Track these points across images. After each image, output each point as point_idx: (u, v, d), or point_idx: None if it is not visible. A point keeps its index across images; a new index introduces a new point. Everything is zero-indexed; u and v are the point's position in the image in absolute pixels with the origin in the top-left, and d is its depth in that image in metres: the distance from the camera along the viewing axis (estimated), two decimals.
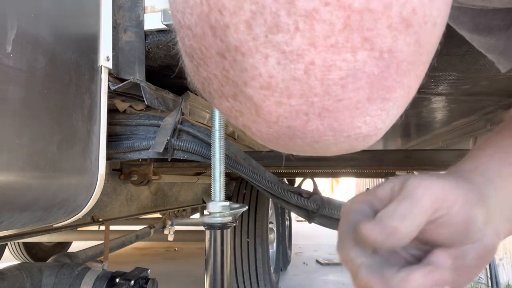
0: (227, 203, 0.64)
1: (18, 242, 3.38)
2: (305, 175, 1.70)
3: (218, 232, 0.63)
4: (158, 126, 0.91)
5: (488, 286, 3.87)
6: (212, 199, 0.66)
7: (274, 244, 3.37)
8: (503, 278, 3.98)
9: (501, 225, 0.35)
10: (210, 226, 0.63)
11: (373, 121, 0.21)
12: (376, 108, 0.21)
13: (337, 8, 0.17)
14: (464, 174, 0.37)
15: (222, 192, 0.66)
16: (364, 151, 2.76)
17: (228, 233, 0.64)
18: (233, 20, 0.18)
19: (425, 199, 0.30)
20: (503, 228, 0.36)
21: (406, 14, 0.18)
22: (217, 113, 0.67)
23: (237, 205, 0.62)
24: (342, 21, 0.17)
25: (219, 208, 0.65)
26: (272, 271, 2.99)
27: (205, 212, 0.70)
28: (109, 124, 0.81)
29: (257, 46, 0.18)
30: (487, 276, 3.86)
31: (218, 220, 0.62)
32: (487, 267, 3.62)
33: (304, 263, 4.81)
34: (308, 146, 0.23)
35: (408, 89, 0.21)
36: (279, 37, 0.18)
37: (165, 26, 0.79)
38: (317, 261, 4.87)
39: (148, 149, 0.89)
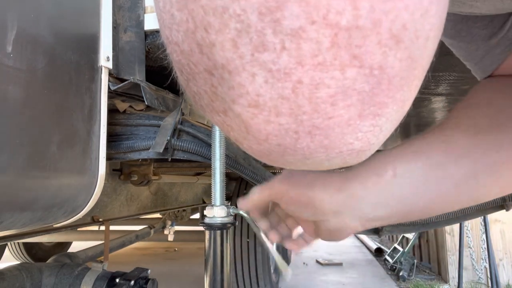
0: (225, 208, 0.64)
1: (18, 242, 3.38)
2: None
3: (218, 232, 0.63)
4: (158, 126, 0.91)
5: (488, 286, 3.86)
6: (212, 202, 0.66)
7: (274, 244, 3.36)
8: (503, 278, 3.98)
9: (358, 217, 0.48)
10: (210, 227, 0.63)
11: (365, 136, 0.21)
12: (369, 124, 0.20)
13: (324, 26, 0.17)
14: (349, 173, 0.49)
15: (223, 195, 0.66)
16: None
17: (228, 233, 0.64)
18: (218, 38, 0.18)
19: (269, 188, 0.53)
20: (364, 218, 0.48)
21: (396, 31, 0.18)
22: None
23: (236, 210, 0.62)
24: (329, 39, 0.17)
25: (218, 211, 0.65)
26: (272, 271, 2.98)
27: (205, 213, 0.71)
28: (109, 124, 0.81)
29: (243, 65, 0.18)
30: (487, 276, 3.86)
31: (217, 220, 0.62)
32: (487, 267, 3.62)
33: (304, 263, 4.81)
34: (299, 162, 0.23)
35: (402, 103, 0.21)
36: (266, 55, 0.18)
37: None
38: (317, 261, 4.87)
39: (148, 149, 0.89)
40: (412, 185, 0.46)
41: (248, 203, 0.56)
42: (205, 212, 0.68)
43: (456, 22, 0.46)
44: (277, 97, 0.19)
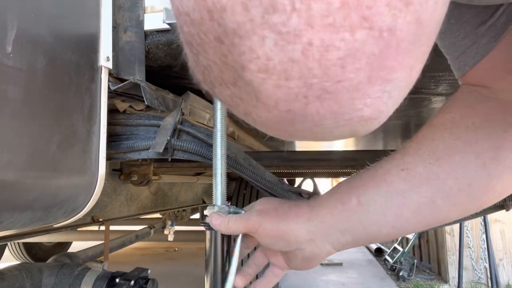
0: (226, 208, 0.64)
1: (18, 242, 3.38)
2: (305, 175, 1.70)
3: (219, 232, 0.63)
4: (158, 126, 0.91)
5: (488, 286, 3.86)
6: (214, 202, 0.66)
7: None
8: (503, 278, 3.97)
9: (330, 242, 0.52)
10: (211, 227, 0.63)
11: (375, 103, 0.21)
12: (377, 89, 0.20)
13: None
14: (315, 202, 0.54)
15: (224, 195, 0.66)
16: (364, 151, 2.75)
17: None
18: (229, 2, 0.18)
19: (243, 220, 0.55)
20: (336, 243, 0.52)
21: None
22: (219, 114, 0.67)
23: (236, 209, 0.63)
24: (340, 0, 0.17)
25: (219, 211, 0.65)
26: None
27: (206, 212, 0.71)
28: (109, 124, 0.81)
29: (254, 28, 0.18)
30: (487, 276, 3.86)
31: None
32: (487, 267, 3.62)
33: None
34: (308, 130, 0.23)
35: (410, 70, 0.21)
36: (276, 17, 0.17)
37: (166, 26, 0.79)
38: None
39: (148, 149, 0.89)
40: (376, 213, 0.50)
41: (224, 228, 0.58)
42: (206, 212, 0.68)
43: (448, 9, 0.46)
44: (287, 60, 0.18)
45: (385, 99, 0.21)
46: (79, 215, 0.75)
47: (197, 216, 4.09)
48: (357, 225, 0.51)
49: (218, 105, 0.67)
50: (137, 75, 0.82)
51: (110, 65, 0.76)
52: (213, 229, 0.61)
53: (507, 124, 0.46)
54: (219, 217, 0.58)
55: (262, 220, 0.54)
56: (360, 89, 0.20)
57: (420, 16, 0.18)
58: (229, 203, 0.70)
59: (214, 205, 0.64)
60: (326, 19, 0.17)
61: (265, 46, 0.18)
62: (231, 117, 1.74)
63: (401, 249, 4.57)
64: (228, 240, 0.63)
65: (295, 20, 0.17)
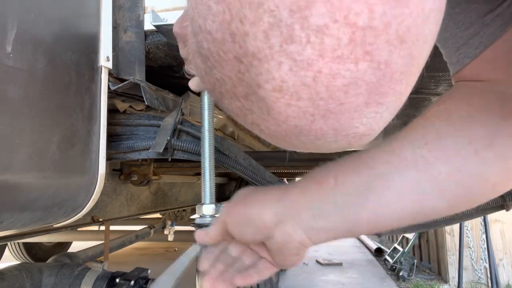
0: (214, 207, 0.64)
1: (18, 242, 3.38)
2: (305, 175, 1.69)
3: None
4: (158, 126, 0.91)
5: (488, 286, 3.86)
6: (202, 200, 0.66)
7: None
8: (503, 278, 3.97)
9: (302, 227, 0.46)
10: (201, 226, 0.63)
11: (369, 122, 0.24)
12: (372, 111, 0.23)
13: (344, 25, 0.20)
14: (289, 185, 0.50)
15: (213, 193, 0.66)
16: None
17: None
18: (252, 29, 0.21)
19: (218, 220, 0.52)
20: (308, 229, 0.46)
21: (402, 32, 0.20)
22: (206, 113, 0.67)
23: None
24: (348, 37, 0.20)
25: (207, 210, 0.65)
26: None
27: (196, 212, 0.70)
28: (109, 124, 0.81)
29: (272, 54, 0.21)
30: (487, 276, 3.86)
31: (207, 219, 0.62)
32: (487, 267, 3.62)
33: (304, 263, 4.81)
34: (310, 143, 0.25)
35: (400, 95, 0.24)
36: (292, 47, 0.20)
37: (166, 26, 0.79)
38: (317, 261, 4.87)
39: (148, 149, 0.89)
40: (354, 195, 0.45)
41: (207, 238, 0.55)
42: (196, 211, 0.68)
43: None
44: (299, 83, 0.21)
45: (378, 119, 0.24)
46: (79, 215, 0.75)
47: (197, 216, 4.09)
48: (332, 208, 0.45)
49: (206, 104, 0.67)
50: (137, 75, 0.82)
51: (110, 65, 0.76)
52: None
53: (505, 113, 0.44)
54: (201, 232, 0.56)
55: (230, 208, 0.51)
56: (358, 110, 0.23)
57: (412, 52, 0.22)
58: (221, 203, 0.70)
59: (202, 204, 0.64)
60: (335, 52, 0.20)
61: (281, 70, 0.21)
62: (231, 117, 1.74)
63: (401, 249, 4.57)
64: None
65: (309, 51, 0.20)
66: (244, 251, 0.54)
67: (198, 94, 1.19)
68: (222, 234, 0.53)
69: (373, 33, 0.20)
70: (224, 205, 0.56)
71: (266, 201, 0.49)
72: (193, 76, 0.62)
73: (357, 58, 0.20)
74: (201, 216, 0.65)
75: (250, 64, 0.22)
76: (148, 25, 0.84)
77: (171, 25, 0.75)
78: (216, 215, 0.68)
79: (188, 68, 0.61)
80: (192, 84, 0.61)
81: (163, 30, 0.79)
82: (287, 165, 1.59)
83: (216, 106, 0.69)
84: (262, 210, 0.48)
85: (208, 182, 0.66)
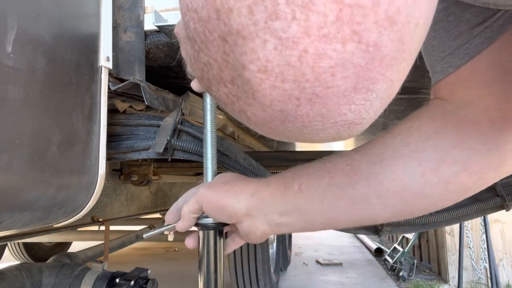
0: None
1: (18, 242, 3.38)
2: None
3: (211, 232, 0.63)
4: (158, 126, 0.91)
5: (488, 286, 3.86)
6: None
7: (274, 244, 3.37)
8: (503, 278, 3.98)
9: (267, 221, 0.56)
10: (204, 227, 0.63)
11: (358, 109, 0.23)
12: (361, 97, 0.22)
13: (331, 1, 0.19)
14: (263, 181, 0.58)
15: None
16: None
17: (222, 233, 0.64)
18: (236, 4, 0.20)
19: (195, 199, 0.58)
20: (272, 223, 0.55)
21: (391, 13, 0.19)
22: (209, 114, 0.67)
23: None
24: (335, 14, 0.19)
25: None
26: (272, 271, 2.98)
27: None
28: (109, 124, 0.81)
29: (257, 31, 0.20)
30: (487, 276, 3.86)
31: (210, 220, 0.62)
32: (487, 267, 3.62)
33: (304, 263, 4.81)
34: (297, 131, 0.24)
35: (391, 83, 0.23)
36: (277, 24, 0.19)
37: (167, 26, 0.79)
38: (317, 261, 4.87)
39: (148, 149, 0.89)
40: (313, 200, 0.53)
41: (182, 218, 0.62)
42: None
43: (449, 4, 0.47)
44: (284, 63, 0.20)
45: (368, 107, 0.23)
46: (79, 215, 0.75)
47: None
48: (295, 209, 0.54)
49: (208, 105, 0.67)
50: (137, 75, 0.82)
51: (110, 65, 0.76)
52: (206, 229, 0.62)
53: (457, 139, 0.48)
54: (175, 216, 0.65)
55: (208, 192, 0.58)
56: (346, 95, 0.22)
57: (402, 36, 0.21)
58: None
59: None
60: (322, 30, 0.19)
61: (266, 49, 0.20)
62: (232, 118, 1.74)
63: (401, 249, 4.57)
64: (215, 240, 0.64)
65: (294, 28, 0.19)
66: None
67: (198, 94, 1.19)
68: (196, 209, 0.60)
69: (361, 11, 0.19)
70: (201, 185, 0.62)
71: (241, 194, 0.56)
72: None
73: (344, 38, 0.19)
74: (203, 217, 0.65)
75: (234, 43, 0.21)
76: (148, 25, 0.84)
77: (174, 25, 0.76)
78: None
79: (189, 69, 0.62)
80: (194, 84, 0.62)
81: (166, 30, 0.79)
82: (287, 165, 1.59)
83: (217, 107, 0.69)
84: (236, 202, 0.56)
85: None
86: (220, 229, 0.63)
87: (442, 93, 0.52)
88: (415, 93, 1.60)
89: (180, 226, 0.63)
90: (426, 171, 0.48)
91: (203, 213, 0.61)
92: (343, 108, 0.22)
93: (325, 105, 0.22)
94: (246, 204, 0.55)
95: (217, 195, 0.57)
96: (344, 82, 0.21)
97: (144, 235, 0.67)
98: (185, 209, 0.60)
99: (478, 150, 0.47)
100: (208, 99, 0.67)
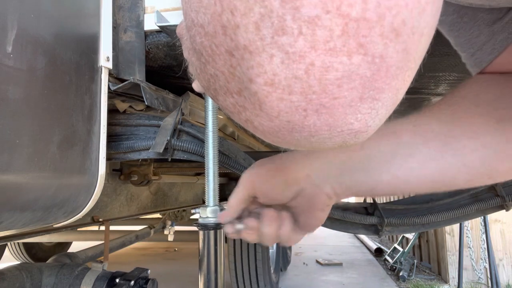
0: (218, 208, 0.64)
1: (18, 242, 3.38)
2: None
3: (212, 232, 0.63)
4: (158, 126, 0.91)
5: (488, 286, 3.86)
6: (206, 202, 0.66)
7: (274, 244, 3.37)
8: (503, 278, 3.98)
9: (328, 180, 0.50)
10: (204, 227, 0.63)
11: (364, 118, 0.23)
12: (367, 107, 0.23)
13: (337, 16, 0.19)
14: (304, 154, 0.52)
15: (216, 195, 0.66)
16: None
17: (222, 233, 0.64)
18: (243, 21, 0.20)
19: (241, 184, 0.52)
20: (334, 182, 0.50)
21: (397, 25, 0.20)
22: (210, 114, 0.67)
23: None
24: (341, 28, 0.19)
25: (211, 212, 0.66)
26: (272, 271, 2.98)
27: (192, 211, 0.71)
28: (109, 124, 0.81)
29: (264, 46, 0.20)
30: (487, 276, 3.86)
31: (211, 220, 0.62)
32: (487, 267, 3.62)
33: (304, 263, 4.81)
34: (304, 140, 0.25)
35: (396, 91, 0.23)
36: (284, 39, 0.20)
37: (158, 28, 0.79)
38: (317, 261, 4.87)
39: (148, 149, 0.89)
40: (378, 158, 0.48)
41: (230, 213, 0.55)
42: (200, 213, 0.68)
43: (460, 7, 0.46)
44: (291, 76, 0.21)
45: (373, 115, 0.23)
46: (79, 215, 0.75)
47: (197, 216, 4.09)
48: (358, 166, 0.49)
49: (210, 105, 0.67)
50: (137, 75, 0.82)
51: (110, 65, 0.76)
52: (206, 229, 0.62)
53: None
54: (223, 214, 0.55)
55: (252, 170, 0.53)
56: (352, 105, 0.22)
57: (407, 46, 0.21)
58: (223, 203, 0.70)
59: (206, 206, 0.64)
60: (328, 44, 0.20)
61: (273, 63, 0.21)
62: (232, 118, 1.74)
63: (401, 249, 4.57)
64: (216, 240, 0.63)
65: (301, 42, 0.20)
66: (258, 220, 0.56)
67: (198, 94, 1.19)
68: (245, 200, 0.54)
69: (367, 25, 0.19)
70: (246, 172, 0.55)
71: (296, 156, 0.52)
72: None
73: (350, 51, 0.20)
74: (204, 218, 0.65)
75: (241, 57, 0.21)
76: (148, 25, 0.84)
77: (176, 25, 0.76)
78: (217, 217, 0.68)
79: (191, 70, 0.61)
80: (196, 85, 0.61)
81: (167, 30, 0.79)
82: None
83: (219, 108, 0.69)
84: (293, 163, 0.51)
85: (212, 184, 0.66)
86: (220, 228, 0.63)
87: (491, 72, 0.49)
88: (415, 93, 1.61)
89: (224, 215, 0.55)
90: (507, 128, 0.45)
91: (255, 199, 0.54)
92: (349, 118, 0.23)
93: (332, 115, 0.22)
94: (304, 163, 0.50)
95: (268, 168, 0.52)
96: (350, 93, 0.21)
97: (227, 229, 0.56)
98: (232, 201, 0.54)
99: None
100: (209, 100, 0.67)
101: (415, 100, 1.68)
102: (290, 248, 4.53)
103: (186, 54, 0.57)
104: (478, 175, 0.47)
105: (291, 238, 0.55)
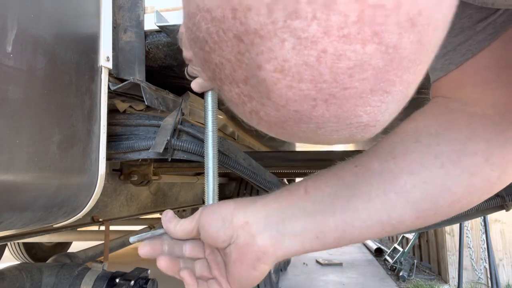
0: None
1: (18, 242, 3.38)
2: (305, 175, 1.70)
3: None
4: (158, 126, 0.91)
5: (488, 286, 3.86)
6: (206, 203, 0.65)
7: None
8: (503, 278, 3.98)
9: (268, 228, 0.46)
10: None
11: (373, 111, 0.22)
12: (377, 99, 0.22)
13: (353, 1, 0.18)
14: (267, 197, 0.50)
15: (216, 195, 0.65)
16: (364, 151, 2.75)
17: None
18: (255, 3, 0.19)
19: (193, 221, 0.52)
20: (274, 231, 0.46)
21: (413, 14, 0.19)
22: (210, 114, 0.67)
23: None
24: (356, 14, 0.18)
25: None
26: (272, 271, 2.98)
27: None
28: (109, 124, 0.81)
29: (275, 30, 0.19)
30: (487, 276, 3.86)
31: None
32: (487, 267, 3.62)
33: (304, 263, 4.81)
34: (311, 132, 0.24)
35: (407, 85, 0.22)
36: (297, 23, 0.19)
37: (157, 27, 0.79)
38: (317, 261, 4.87)
39: (148, 149, 0.89)
40: (323, 202, 0.46)
41: (172, 226, 0.54)
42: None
43: None
44: (302, 63, 0.20)
45: (383, 109, 0.23)
46: (79, 215, 0.75)
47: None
48: (301, 213, 0.46)
49: (210, 105, 0.66)
50: (137, 75, 0.82)
51: (110, 65, 0.76)
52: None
53: (471, 133, 0.45)
54: (170, 218, 0.55)
55: (207, 207, 0.52)
56: (363, 97, 0.21)
57: (422, 38, 0.20)
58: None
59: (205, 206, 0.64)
60: (342, 31, 0.19)
61: (284, 49, 0.20)
62: (232, 118, 1.74)
63: (401, 249, 4.57)
64: None
65: (314, 27, 0.19)
66: (199, 258, 0.54)
67: (198, 94, 1.19)
68: (191, 231, 0.52)
69: (383, 12, 0.18)
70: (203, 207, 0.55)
71: (241, 203, 0.50)
72: (195, 77, 0.62)
73: (364, 39, 0.19)
74: None
75: (251, 42, 0.20)
76: (148, 25, 0.84)
77: (175, 25, 0.76)
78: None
79: (191, 69, 0.61)
80: (195, 85, 0.60)
81: (167, 30, 0.79)
82: (287, 165, 1.59)
83: (219, 107, 0.69)
84: (235, 209, 0.49)
85: (211, 184, 0.65)
86: None
87: (444, 90, 0.50)
88: (415, 93, 1.60)
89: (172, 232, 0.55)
90: (445, 162, 0.44)
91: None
92: (358, 110, 0.22)
93: (341, 106, 0.22)
94: (244, 211, 0.48)
95: (216, 206, 0.51)
96: (361, 84, 0.21)
97: (131, 239, 0.57)
98: (180, 226, 0.53)
99: (495, 141, 0.44)
100: (209, 99, 0.67)
101: (416, 100, 1.68)
102: None
103: (186, 51, 0.57)
104: (423, 211, 0.46)
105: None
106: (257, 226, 0.47)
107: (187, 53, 0.56)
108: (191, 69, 0.61)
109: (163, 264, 0.52)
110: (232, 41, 0.21)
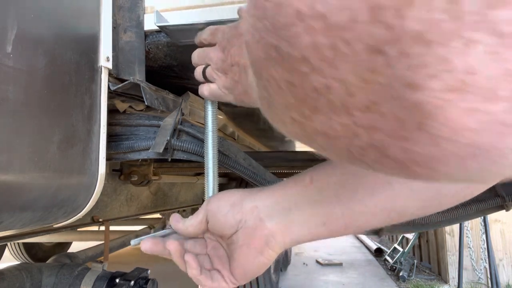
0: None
1: (18, 242, 3.38)
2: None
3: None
4: (158, 126, 0.91)
5: (488, 287, 3.86)
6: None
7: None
8: (503, 278, 3.98)
9: (275, 215, 0.48)
10: None
11: None
12: None
13: None
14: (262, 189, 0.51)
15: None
16: None
17: None
18: None
19: (201, 212, 0.53)
20: (280, 218, 0.47)
21: None
22: (210, 113, 0.67)
23: None
24: None
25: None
26: (272, 271, 2.98)
27: None
28: (109, 124, 0.81)
29: (459, 29, 0.13)
30: (487, 276, 3.86)
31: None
32: (487, 267, 3.62)
33: (304, 263, 4.81)
34: (480, 170, 0.17)
35: None
36: (503, 13, 0.12)
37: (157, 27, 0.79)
38: (317, 261, 4.87)
39: (148, 149, 0.89)
40: (329, 190, 0.47)
41: (183, 226, 0.56)
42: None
43: None
44: (502, 73, 0.13)
45: None
46: (79, 215, 0.75)
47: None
48: (307, 201, 0.47)
49: (209, 105, 0.67)
50: (137, 75, 0.82)
51: (110, 65, 0.76)
52: None
53: (362, 173, 0.46)
54: (177, 217, 0.58)
55: (213, 197, 0.54)
56: None
57: None
58: None
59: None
60: None
61: (471, 55, 0.13)
62: (231, 117, 1.74)
63: (401, 249, 4.57)
64: None
65: None
66: (201, 254, 0.55)
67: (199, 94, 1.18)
68: (200, 222, 0.53)
69: None
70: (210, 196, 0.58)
71: (247, 191, 0.51)
72: (203, 82, 0.61)
73: None
74: None
75: (401, 53, 0.14)
76: (148, 25, 0.84)
77: (175, 25, 0.75)
78: None
79: (213, 72, 0.57)
80: (208, 91, 0.58)
81: (167, 30, 0.79)
82: (287, 165, 1.59)
83: (218, 108, 0.69)
84: (242, 196, 0.50)
85: (211, 184, 0.66)
86: None
87: None
88: None
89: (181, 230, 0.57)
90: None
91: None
92: None
93: None
94: (255, 198, 0.49)
95: (223, 195, 0.52)
96: None
97: (132, 242, 0.59)
98: (188, 222, 0.55)
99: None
100: (209, 106, 0.67)
101: None
102: (290, 248, 4.53)
103: (218, 52, 0.55)
104: (428, 200, 0.46)
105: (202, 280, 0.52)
106: (266, 211, 0.48)
107: (218, 54, 0.54)
108: (211, 72, 0.58)
109: (172, 246, 0.53)
110: (361, 54, 0.15)
